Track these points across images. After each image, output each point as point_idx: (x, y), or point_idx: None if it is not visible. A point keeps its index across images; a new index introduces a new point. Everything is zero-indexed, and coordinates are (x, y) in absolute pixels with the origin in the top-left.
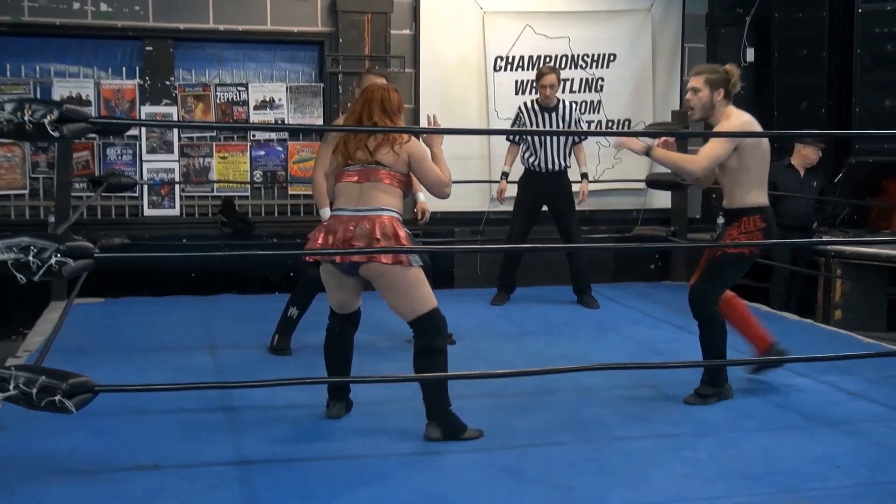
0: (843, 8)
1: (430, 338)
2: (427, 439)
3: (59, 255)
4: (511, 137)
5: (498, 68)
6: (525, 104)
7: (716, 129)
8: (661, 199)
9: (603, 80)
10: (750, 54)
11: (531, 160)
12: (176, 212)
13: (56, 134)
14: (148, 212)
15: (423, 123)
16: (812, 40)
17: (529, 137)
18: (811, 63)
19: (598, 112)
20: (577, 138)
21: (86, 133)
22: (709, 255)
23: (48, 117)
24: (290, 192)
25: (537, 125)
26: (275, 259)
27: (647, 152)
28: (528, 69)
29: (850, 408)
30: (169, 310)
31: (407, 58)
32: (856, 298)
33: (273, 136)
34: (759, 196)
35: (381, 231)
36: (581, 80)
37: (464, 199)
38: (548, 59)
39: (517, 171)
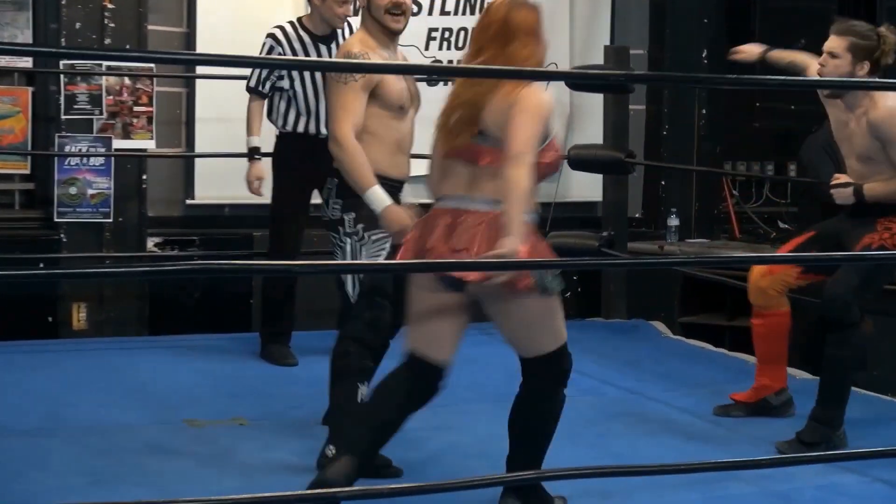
0: None
1: (551, 386)
2: None
3: None
4: (257, 87)
5: None
6: (283, 29)
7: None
8: (585, 188)
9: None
10: None
11: (296, 120)
12: None
13: None
14: None
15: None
16: None
17: (292, 89)
18: None
19: None
20: None
21: None
22: (860, 245)
23: None
24: None
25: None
26: None
27: (858, 193)
28: None
29: None
30: None
31: None
32: (880, 345)
33: None
34: None
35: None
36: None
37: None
38: None
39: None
